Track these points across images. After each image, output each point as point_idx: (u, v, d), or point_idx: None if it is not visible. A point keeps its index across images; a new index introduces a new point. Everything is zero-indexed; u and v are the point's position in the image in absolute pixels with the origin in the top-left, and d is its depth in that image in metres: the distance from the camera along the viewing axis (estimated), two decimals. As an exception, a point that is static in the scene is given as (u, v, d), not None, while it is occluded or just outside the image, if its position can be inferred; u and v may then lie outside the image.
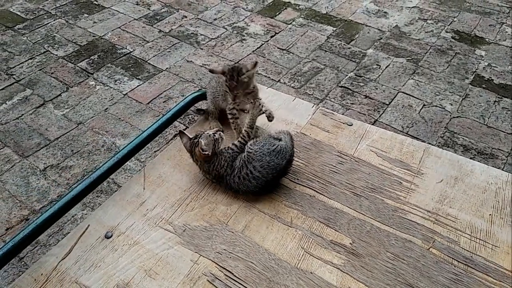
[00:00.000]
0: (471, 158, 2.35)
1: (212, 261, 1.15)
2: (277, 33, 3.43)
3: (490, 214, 1.28)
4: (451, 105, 2.74)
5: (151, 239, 1.20)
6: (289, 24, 3.55)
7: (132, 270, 1.13)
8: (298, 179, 1.38)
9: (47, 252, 1.19)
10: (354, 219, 1.27)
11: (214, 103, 1.55)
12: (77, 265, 1.15)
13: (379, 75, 2.99)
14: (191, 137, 1.32)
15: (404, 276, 1.13)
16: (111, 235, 1.21)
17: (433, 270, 1.14)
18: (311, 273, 1.13)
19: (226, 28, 3.49)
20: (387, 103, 2.76)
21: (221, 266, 1.14)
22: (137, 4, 3.80)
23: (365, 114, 2.66)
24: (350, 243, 1.20)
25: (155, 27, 3.50)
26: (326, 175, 1.40)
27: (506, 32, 3.46)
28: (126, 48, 3.25)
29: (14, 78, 2.95)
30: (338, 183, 1.37)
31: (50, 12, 3.66)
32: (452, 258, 1.17)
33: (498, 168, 2.32)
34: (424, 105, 2.74)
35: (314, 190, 1.35)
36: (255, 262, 1.15)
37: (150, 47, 3.26)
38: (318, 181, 1.38)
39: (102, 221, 1.25)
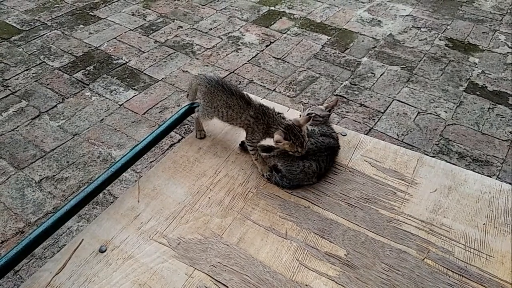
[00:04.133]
0: (466, 166, 2.37)
1: (207, 274, 1.15)
2: (272, 43, 3.45)
3: (484, 224, 1.28)
4: (446, 112, 2.76)
5: (145, 252, 1.20)
6: (284, 33, 3.58)
7: (126, 285, 1.12)
8: (292, 190, 1.38)
9: (41, 267, 1.19)
10: (349, 230, 1.27)
11: (207, 115, 1.53)
12: (71, 280, 1.14)
13: (374, 83, 3.01)
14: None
15: (399, 287, 1.13)
16: (105, 249, 1.21)
17: (428, 281, 1.14)
18: (306, 285, 1.13)
19: (221, 38, 3.51)
20: (382, 111, 2.77)
21: (216, 280, 1.14)
22: (132, 15, 3.82)
23: (360, 123, 2.67)
24: (345, 255, 1.20)
25: (150, 38, 3.51)
26: (320, 186, 1.40)
27: (499, 39, 3.49)
28: (122, 59, 3.26)
29: (9, 89, 2.95)
30: (333, 194, 1.37)
31: (46, 23, 3.68)
32: (447, 269, 1.17)
33: (493, 175, 2.34)
34: (418, 112, 2.76)
35: (309, 201, 1.35)
36: (250, 275, 1.15)
37: (145, 58, 3.28)
38: (312, 192, 1.38)
39: (96, 235, 1.25)
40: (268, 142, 1.42)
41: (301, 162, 1.37)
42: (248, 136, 1.41)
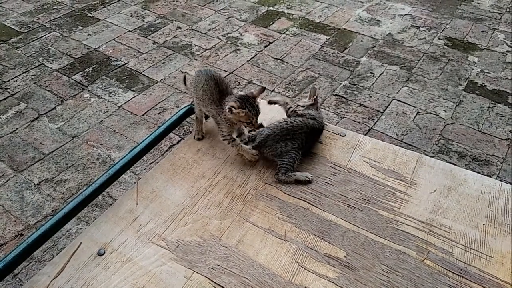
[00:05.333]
0: (466, 165, 2.36)
1: (206, 277, 1.15)
2: (271, 43, 3.45)
3: (484, 224, 1.28)
4: (445, 112, 2.75)
5: (144, 255, 1.19)
6: (283, 33, 3.57)
7: (125, 288, 1.12)
8: (291, 191, 1.38)
9: (39, 271, 1.18)
10: (348, 231, 1.26)
11: (196, 105, 1.56)
12: (69, 284, 1.14)
13: (373, 83, 3.00)
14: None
15: (399, 288, 1.12)
16: (104, 252, 1.20)
17: (428, 282, 1.13)
18: (305, 287, 1.13)
19: (220, 39, 3.51)
20: (382, 111, 2.76)
21: (215, 282, 1.13)
22: (131, 16, 3.81)
23: (359, 123, 2.66)
24: (344, 256, 1.20)
25: (149, 39, 3.51)
26: (320, 187, 1.39)
27: (498, 38, 3.49)
28: (120, 60, 3.25)
29: (8, 92, 2.95)
30: (332, 195, 1.37)
31: (45, 25, 3.67)
32: (447, 270, 1.16)
33: (493, 174, 2.33)
34: (418, 112, 2.75)
35: (308, 203, 1.35)
36: (249, 278, 1.14)
37: (144, 59, 3.27)
38: (312, 193, 1.38)
39: (95, 238, 1.24)
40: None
41: (285, 142, 1.43)
42: (219, 129, 1.47)
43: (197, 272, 1.15)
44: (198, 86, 1.50)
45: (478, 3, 3.98)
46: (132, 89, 2.97)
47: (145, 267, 1.17)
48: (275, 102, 1.65)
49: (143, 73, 3.13)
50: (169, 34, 3.57)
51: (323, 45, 3.41)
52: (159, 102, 2.85)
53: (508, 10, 3.89)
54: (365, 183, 1.41)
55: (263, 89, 1.44)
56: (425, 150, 2.47)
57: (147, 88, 2.98)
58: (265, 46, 3.41)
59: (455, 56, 3.27)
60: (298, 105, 1.59)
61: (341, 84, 3.00)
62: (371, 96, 2.89)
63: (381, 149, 1.53)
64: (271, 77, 3.07)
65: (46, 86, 2.99)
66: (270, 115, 1.65)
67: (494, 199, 1.35)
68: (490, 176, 2.30)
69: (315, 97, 1.62)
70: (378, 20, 3.74)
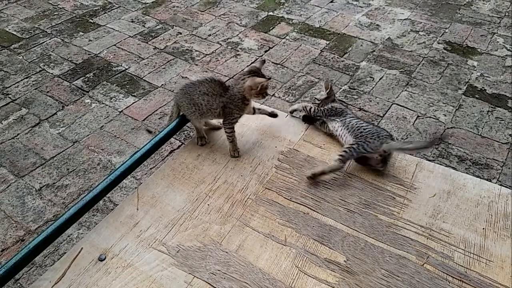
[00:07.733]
0: (466, 169, 2.37)
1: (206, 282, 1.15)
2: (271, 48, 3.46)
3: (483, 228, 1.28)
4: (445, 116, 2.76)
5: (144, 260, 1.20)
6: (282, 38, 3.59)
7: (125, 293, 1.12)
8: (291, 196, 1.38)
9: (41, 276, 1.19)
10: (348, 236, 1.27)
11: (200, 118, 1.57)
12: (70, 289, 1.14)
13: (373, 88, 3.01)
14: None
15: (398, 293, 1.12)
16: (105, 258, 1.21)
17: (427, 287, 1.14)
18: (305, 292, 1.13)
19: (220, 44, 3.53)
20: (382, 115, 2.77)
21: (215, 287, 1.14)
22: (132, 22, 3.84)
23: (359, 127, 2.67)
24: (344, 261, 1.20)
25: (150, 44, 3.53)
26: (319, 192, 1.40)
27: (498, 42, 3.50)
28: (121, 66, 3.27)
29: (9, 97, 2.96)
30: (332, 200, 1.37)
31: (46, 31, 3.69)
32: (447, 274, 1.17)
33: (493, 178, 2.33)
34: (418, 116, 2.76)
35: (308, 207, 1.35)
36: (249, 283, 1.15)
37: (145, 64, 3.29)
38: (311, 198, 1.38)
39: (96, 243, 1.25)
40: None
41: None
42: (227, 118, 1.53)
43: (197, 277, 1.16)
44: (194, 97, 1.52)
45: (477, 8, 4.00)
46: (132, 94, 2.99)
47: (146, 272, 1.17)
48: (295, 110, 1.78)
49: (143, 78, 3.14)
50: (169, 39, 3.59)
51: (323, 50, 3.43)
52: (160, 107, 2.86)
53: (507, 14, 3.91)
54: (365, 187, 1.41)
55: (264, 61, 1.59)
56: (425, 154, 2.48)
57: (147, 93, 2.99)
58: (265, 51, 3.42)
59: (454, 60, 3.28)
60: (315, 98, 1.70)
61: (341, 88, 3.01)
62: (371, 101, 2.90)
63: (380, 154, 1.54)
64: (271, 82, 3.08)
65: (47, 92, 3.01)
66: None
67: (493, 203, 1.36)
68: (490, 180, 2.30)
69: (328, 89, 1.69)
70: (377, 25, 3.76)
